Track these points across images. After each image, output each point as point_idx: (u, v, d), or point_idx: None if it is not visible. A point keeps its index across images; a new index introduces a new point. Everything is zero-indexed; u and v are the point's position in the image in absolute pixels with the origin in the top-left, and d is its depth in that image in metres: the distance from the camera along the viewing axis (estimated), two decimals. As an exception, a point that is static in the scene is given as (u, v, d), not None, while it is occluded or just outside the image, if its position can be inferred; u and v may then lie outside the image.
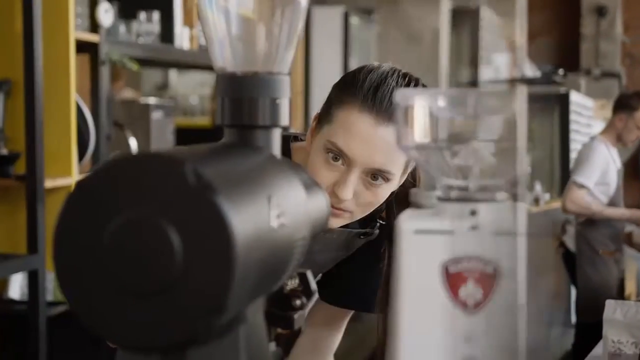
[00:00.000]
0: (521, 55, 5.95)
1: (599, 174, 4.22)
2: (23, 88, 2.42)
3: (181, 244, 0.63)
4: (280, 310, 0.86)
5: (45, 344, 2.42)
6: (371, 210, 1.32)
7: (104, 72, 2.69)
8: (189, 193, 0.63)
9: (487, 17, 7.42)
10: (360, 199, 1.28)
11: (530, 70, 6.02)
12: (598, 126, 8.27)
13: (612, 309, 2.04)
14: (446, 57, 5.96)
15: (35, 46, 2.40)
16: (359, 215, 1.31)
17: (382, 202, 1.31)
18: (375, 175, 1.26)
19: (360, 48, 6.04)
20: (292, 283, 0.90)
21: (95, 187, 0.65)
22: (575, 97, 6.98)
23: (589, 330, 4.31)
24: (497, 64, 6.90)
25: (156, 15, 3.06)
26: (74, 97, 2.52)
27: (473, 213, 0.71)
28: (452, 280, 0.70)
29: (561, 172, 7.20)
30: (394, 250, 1.39)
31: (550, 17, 6.62)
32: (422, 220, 0.71)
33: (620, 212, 4.37)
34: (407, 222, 0.71)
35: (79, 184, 0.64)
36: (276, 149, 0.83)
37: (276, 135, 0.83)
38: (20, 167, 2.44)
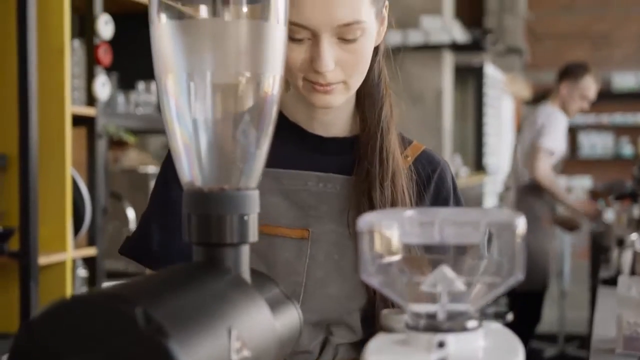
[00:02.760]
0: (450, 18, 5.88)
1: (560, 142, 4.28)
2: (18, 162, 2.42)
3: (131, 391, 0.60)
4: None
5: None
6: (365, 73, 1.19)
7: (101, 145, 2.68)
8: (139, 338, 0.60)
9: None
10: (344, 65, 1.15)
11: (460, 34, 5.94)
12: (507, 100, 8.37)
13: (626, 286, 1.84)
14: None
15: (31, 121, 2.40)
16: (355, 82, 1.19)
17: (369, 58, 1.19)
18: (347, 32, 1.13)
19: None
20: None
21: (42, 330, 0.62)
22: (489, 70, 7.04)
23: (525, 299, 4.29)
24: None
25: (154, 86, 3.07)
26: (69, 171, 2.51)
27: (441, 345, 0.68)
28: (420, 417, 0.67)
29: (475, 145, 7.20)
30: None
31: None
32: (388, 354, 0.69)
33: (578, 203, 4.49)
34: (372, 355, 0.69)
35: (26, 326, 0.62)
36: (244, 265, 0.81)
37: (245, 252, 0.81)
38: (14, 243, 2.42)
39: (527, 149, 4.31)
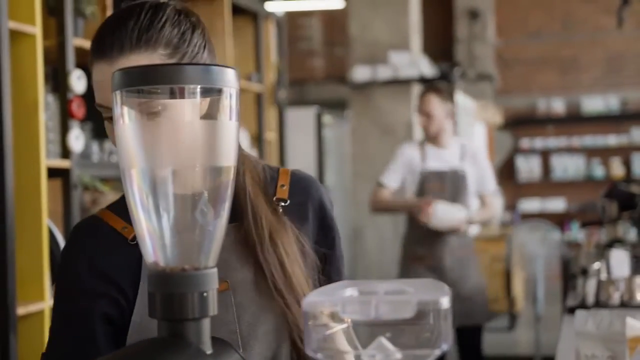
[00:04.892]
0: (417, 53, 5.96)
1: (401, 176, 4.19)
2: (-5, 216, 2.49)
3: None
4: None
5: None
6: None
7: (76, 196, 2.76)
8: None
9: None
10: None
11: (428, 68, 6.00)
12: (479, 126, 8.53)
13: (584, 320, 1.90)
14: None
15: (7, 174, 2.47)
16: None
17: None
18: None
19: (335, 144, 6.21)
20: None
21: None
22: (459, 99, 7.17)
23: (464, 334, 4.29)
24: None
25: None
26: (45, 222, 2.58)
27: (379, 410, 0.77)
28: None
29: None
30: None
31: (424, 18, 6.64)
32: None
33: (403, 200, 4.21)
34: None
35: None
36: (206, 337, 0.89)
37: (206, 325, 0.89)
38: (-8, 295, 2.48)
39: None
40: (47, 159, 2.66)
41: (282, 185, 1.36)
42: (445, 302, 0.78)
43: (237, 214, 1.31)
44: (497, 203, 4.39)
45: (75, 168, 2.79)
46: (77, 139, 2.76)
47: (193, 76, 0.87)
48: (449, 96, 4.18)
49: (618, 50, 10.05)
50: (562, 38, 10.23)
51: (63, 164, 2.76)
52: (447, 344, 0.79)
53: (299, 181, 1.38)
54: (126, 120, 0.89)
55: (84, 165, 2.88)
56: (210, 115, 0.90)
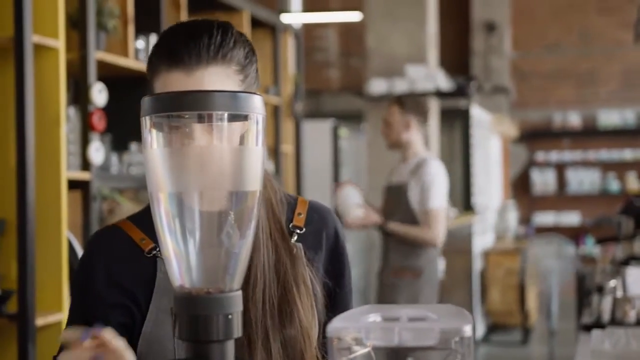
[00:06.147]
0: (434, 66, 5.97)
1: None
2: (16, 227, 2.52)
3: None
4: None
5: None
6: None
7: (95, 208, 2.79)
8: None
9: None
10: None
11: (444, 82, 5.99)
12: (494, 139, 8.53)
13: (600, 340, 1.92)
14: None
15: (28, 186, 2.50)
16: None
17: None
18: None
19: (351, 156, 6.22)
20: None
21: None
22: (475, 112, 7.17)
23: None
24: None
25: (147, 145, 3.17)
26: (65, 234, 2.61)
27: None
28: None
29: (463, 185, 7.27)
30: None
31: (441, 31, 6.60)
32: None
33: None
34: None
35: None
36: (230, 359, 0.91)
37: (230, 347, 0.91)
38: (12, 305, 2.51)
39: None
40: (68, 171, 2.69)
41: (299, 214, 1.37)
42: (468, 330, 0.79)
43: None
44: (437, 225, 3.95)
45: (95, 180, 2.82)
46: (97, 151, 2.79)
47: (221, 103, 0.89)
48: (412, 110, 4.07)
49: (635, 64, 10.02)
50: (579, 52, 10.21)
51: (83, 176, 2.79)
52: (468, 371, 0.80)
53: (315, 210, 1.39)
54: (154, 145, 0.91)
55: (103, 177, 2.90)
56: (237, 140, 0.92)
